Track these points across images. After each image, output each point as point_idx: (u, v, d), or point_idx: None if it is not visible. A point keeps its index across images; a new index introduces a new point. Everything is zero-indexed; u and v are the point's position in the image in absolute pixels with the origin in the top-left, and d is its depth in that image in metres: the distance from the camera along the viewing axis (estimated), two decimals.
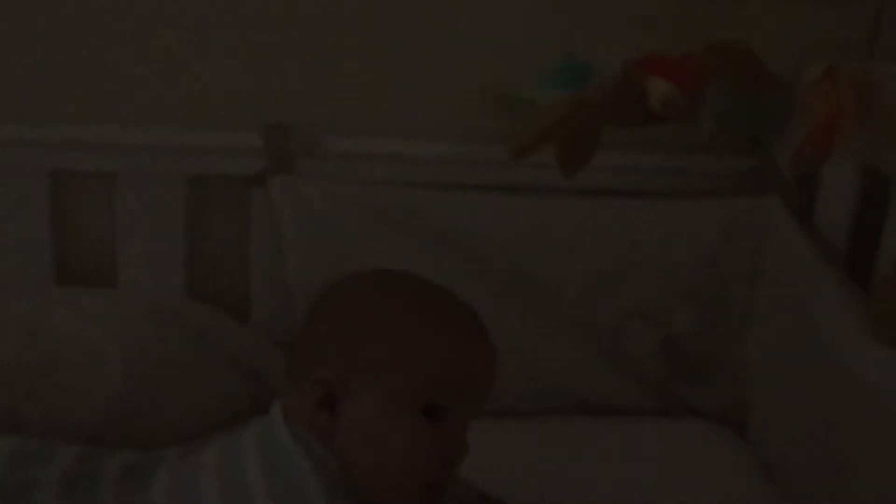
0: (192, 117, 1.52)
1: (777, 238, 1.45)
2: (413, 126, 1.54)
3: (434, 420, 0.99)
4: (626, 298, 1.50)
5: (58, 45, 1.50)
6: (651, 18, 1.48)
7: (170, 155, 1.52)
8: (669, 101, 1.14)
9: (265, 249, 1.53)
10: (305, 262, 1.46)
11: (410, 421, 0.98)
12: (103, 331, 1.32)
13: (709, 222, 1.50)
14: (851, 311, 1.21)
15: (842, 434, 1.17)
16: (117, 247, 1.55)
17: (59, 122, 1.51)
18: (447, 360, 1.00)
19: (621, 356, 1.51)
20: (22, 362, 1.24)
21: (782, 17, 1.49)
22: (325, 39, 1.51)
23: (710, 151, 1.51)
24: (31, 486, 0.99)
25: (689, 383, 1.52)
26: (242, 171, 1.52)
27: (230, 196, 1.56)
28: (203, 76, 1.52)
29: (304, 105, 1.53)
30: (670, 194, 1.54)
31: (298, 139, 1.51)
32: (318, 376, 1.00)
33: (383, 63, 1.53)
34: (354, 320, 1.03)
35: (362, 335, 1.01)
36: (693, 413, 1.53)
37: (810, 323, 1.27)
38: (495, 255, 1.48)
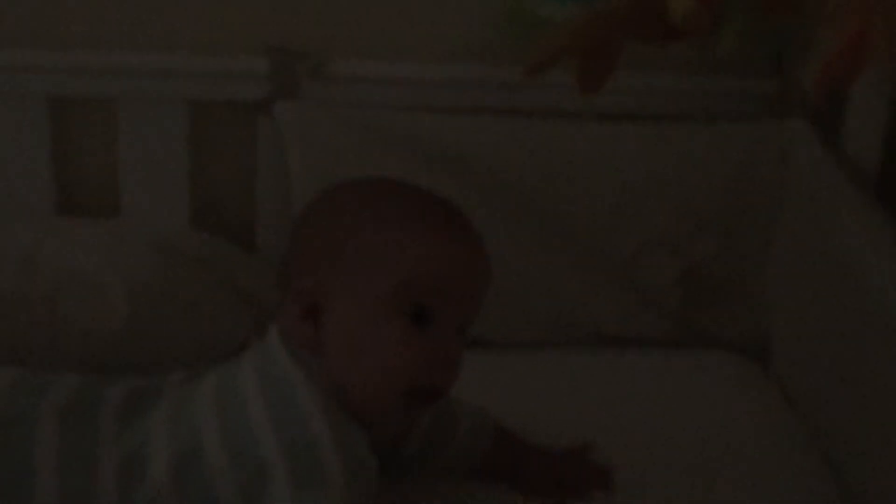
0: (195, 40, 1.49)
1: (801, 162, 1.41)
2: (422, 49, 1.50)
3: (419, 324, 0.98)
4: (644, 226, 1.47)
5: None
6: None
7: (171, 80, 1.48)
8: (691, 15, 1.09)
9: (271, 177, 1.51)
10: (312, 189, 1.34)
11: (394, 323, 0.97)
12: (106, 262, 1.31)
13: (730, 146, 1.47)
14: (879, 237, 1.18)
15: (866, 362, 1.15)
16: (119, 176, 1.53)
17: (57, 47, 1.47)
18: (430, 260, 0.98)
19: (638, 285, 1.48)
20: (22, 294, 1.22)
21: None
22: None
23: (731, 72, 1.48)
24: (31, 416, 0.98)
25: (708, 312, 1.49)
26: (247, 96, 1.49)
27: (235, 123, 1.53)
28: None
29: (310, 28, 1.49)
30: (690, 118, 1.49)
31: (304, 63, 1.47)
32: (300, 286, 0.99)
33: None
34: (333, 225, 1.02)
35: (341, 239, 1.00)
36: (712, 343, 1.50)
37: (835, 249, 1.25)
38: (507, 181, 1.45)
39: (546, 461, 1.19)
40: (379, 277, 0.97)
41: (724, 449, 1.26)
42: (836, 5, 1.11)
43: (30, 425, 0.97)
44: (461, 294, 1.00)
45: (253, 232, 1.56)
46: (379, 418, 1.01)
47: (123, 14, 1.48)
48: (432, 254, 0.99)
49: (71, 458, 0.96)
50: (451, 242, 1.01)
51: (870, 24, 1.05)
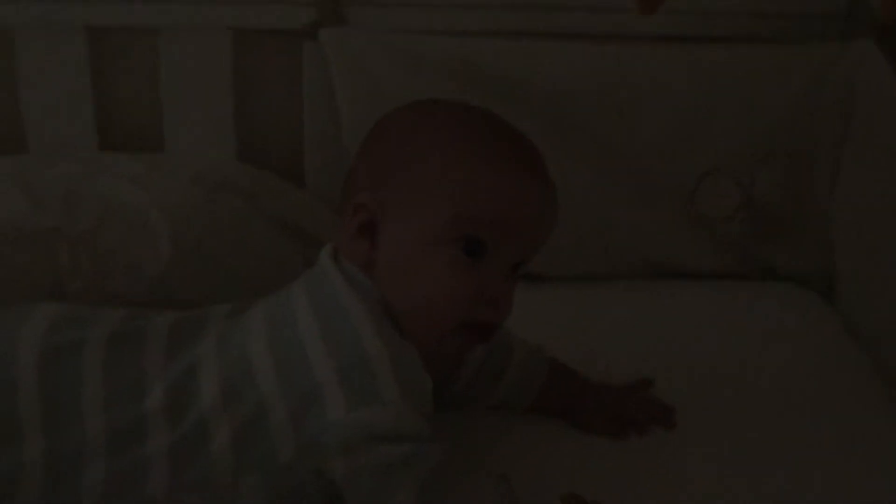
0: None
1: (870, 86, 1.37)
2: None
3: (474, 257, 0.96)
4: (705, 154, 1.43)
5: None
6: None
7: (214, 7, 1.46)
8: None
9: (318, 108, 1.49)
10: (360, 119, 1.37)
11: (447, 252, 0.96)
12: (149, 197, 1.29)
13: (795, 70, 1.43)
14: None
15: None
16: (162, 109, 1.50)
17: None
18: (494, 194, 0.96)
19: (699, 216, 1.45)
20: (63, 231, 1.20)
21: None
22: None
23: None
24: (77, 347, 0.96)
25: (771, 245, 1.47)
26: (292, 23, 1.46)
27: (280, 51, 1.50)
28: None
29: None
30: (752, 40, 1.46)
31: None
32: (358, 201, 0.99)
33: None
34: (401, 145, 1.00)
35: (406, 159, 0.98)
36: (774, 276, 1.48)
37: None
38: (560, 109, 1.42)
39: (604, 397, 1.17)
40: (437, 204, 0.96)
41: (788, 383, 1.24)
42: None
43: (76, 356, 0.96)
44: (521, 232, 0.98)
45: (301, 165, 1.53)
46: (430, 346, 0.98)
47: None
48: (497, 187, 0.97)
49: (118, 389, 0.95)
50: (519, 178, 0.98)
51: None
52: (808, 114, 1.42)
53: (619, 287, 1.45)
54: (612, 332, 1.32)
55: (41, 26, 1.45)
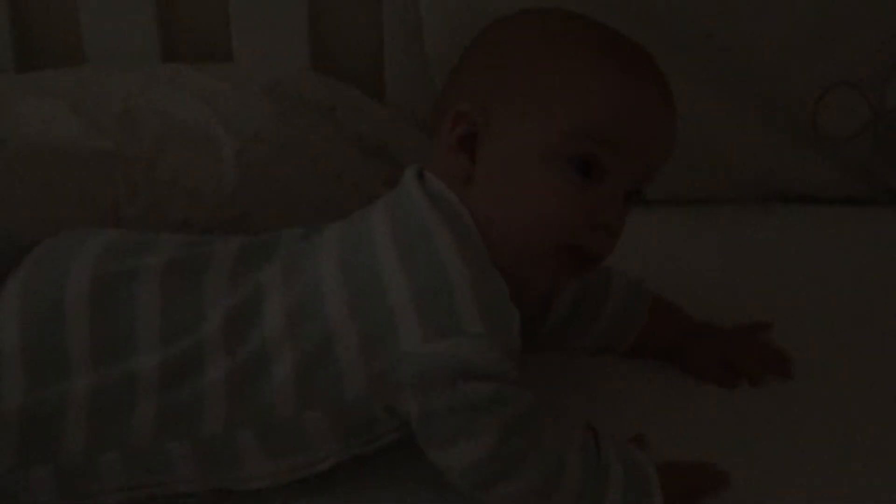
0: None
1: None
2: None
3: (587, 177, 0.91)
4: (829, 66, 1.35)
5: None
6: None
7: None
8: None
9: (399, 13, 1.43)
10: (444, 28, 1.35)
11: (558, 169, 0.90)
12: (214, 112, 1.24)
13: None
14: None
15: None
16: (231, 16, 1.45)
17: None
18: (612, 107, 0.90)
19: (822, 134, 1.38)
20: (118, 154, 1.15)
21: None
22: None
23: None
24: (132, 276, 0.92)
25: None
26: None
27: None
28: None
29: None
30: None
31: None
32: (461, 109, 0.93)
33: None
34: (508, 51, 0.94)
35: (515, 67, 0.92)
36: None
37: None
38: (671, 17, 1.34)
39: (714, 340, 1.09)
40: (552, 115, 0.90)
41: None
42: None
43: (130, 286, 0.91)
44: (642, 153, 0.92)
45: (381, 78, 1.48)
46: (526, 271, 0.93)
47: None
48: (615, 100, 0.90)
49: (175, 319, 0.90)
50: (643, 93, 0.92)
51: None
52: None
53: (734, 212, 1.39)
54: (723, 263, 1.27)
55: None
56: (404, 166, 0.98)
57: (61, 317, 0.89)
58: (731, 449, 0.96)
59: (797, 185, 1.41)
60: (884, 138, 1.37)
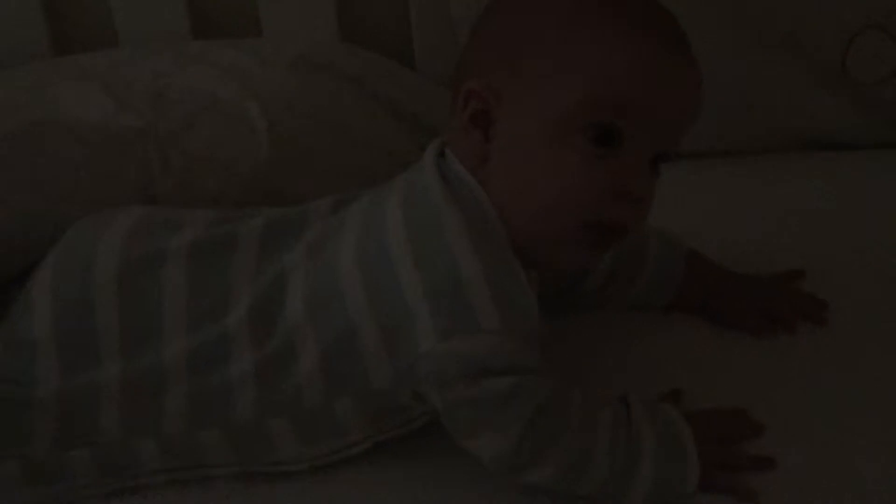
0: None
1: None
2: None
3: (605, 147, 0.86)
4: (857, 8, 1.32)
5: None
6: None
7: None
8: None
9: None
10: None
11: (575, 142, 0.86)
12: (245, 87, 1.23)
13: None
14: None
15: None
16: None
17: None
18: (628, 71, 0.85)
19: (852, 80, 1.35)
20: (151, 131, 1.15)
21: None
22: None
23: None
24: (159, 259, 0.92)
25: None
26: None
27: None
28: None
29: None
30: None
31: None
32: (471, 87, 0.89)
33: None
34: (516, 21, 0.89)
35: (523, 38, 0.88)
36: None
37: None
38: None
39: (750, 290, 1.08)
40: (562, 87, 0.85)
41: None
42: None
43: (157, 270, 0.91)
44: (664, 119, 0.87)
45: (409, 45, 1.47)
46: (549, 254, 0.90)
47: None
48: (637, 65, 0.85)
49: (202, 305, 0.90)
50: (662, 55, 0.86)
51: None
52: None
53: (765, 162, 1.37)
54: (756, 214, 1.24)
55: None
56: (437, 131, 0.97)
57: (90, 303, 0.90)
58: (765, 398, 0.95)
59: (828, 133, 1.38)
60: None
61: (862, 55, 1.33)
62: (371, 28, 1.48)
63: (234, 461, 0.90)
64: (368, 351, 0.85)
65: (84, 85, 1.20)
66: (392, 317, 0.84)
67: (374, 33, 1.48)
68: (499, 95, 0.88)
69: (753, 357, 1.02)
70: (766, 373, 1.00)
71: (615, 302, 1.08)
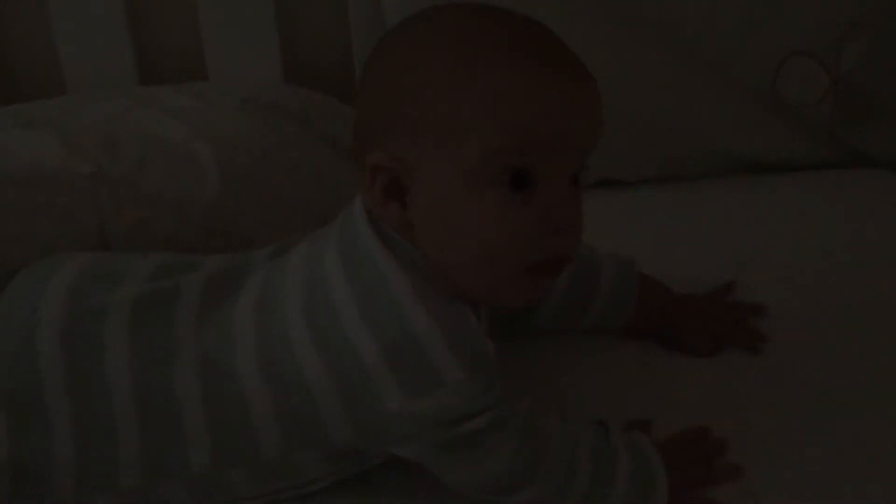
0: None
1: None
2: None
3: (523, 190, 0.82)
4: (786, 33, 1.34)
5: None
6: None
7: None
8: None
9: (365, 21, 1.42)
10: None
11: (488, 197, 0.82)
12: (193, 128, 1.22)
13: None
14: None
15: None
16: (202, 35, 1.46)
17: None
18: (525, 109, 0.81)
19: (782, 103, 1.38)
20: (102, 175, 1.13)
21: None
22: None
23: None
24: (99, 315, 0.90)
25: (860, 128, 1.40)
26: None
27: None
28: None
29: None
30: None
31: None
32: (372, 162, 0.85)
33: None
34: (397, 78, 0.84)
35: (411, 95, 0.83)
36: (866, 163, 1.42)
37: None
38: None
39: (694, 311, 1.10)
40: (461, 142, 0.81)
41: (881, 271, 1.19)
42: None
43: (100, 324, 0.89)
44: (570, 144, 0.83)
45: (352, 83, 1.47)
46: (496, 299, 0.88)
47: None
48: (525, 101, 0.81)
49: (146, 359, 0.88)
50: (548, 81, 0.81)
51: None
52: None
53: (701, 186, 1.38)
54: (697, 235, 1.26)
55: None
56: None
57: (34, 359, 0.88)
58: (726, 416, 0.98)
59: (762, 155, 1.40)
60: (843, 102, 1.36)
61: (792, 79, 1.35)
62: (314, 69, 1.49)
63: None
64: (326, 410, 0.84)
65: (35, 133, 1.19)
66: (348, 376, 0.83)
67: (317, 73, 1.48)
68: (405, 162, 0.83)
69: (709, 374, 1.04)
70: (723, 389, 1.03)
71: (571, 325, 1.09)
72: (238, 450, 0.87)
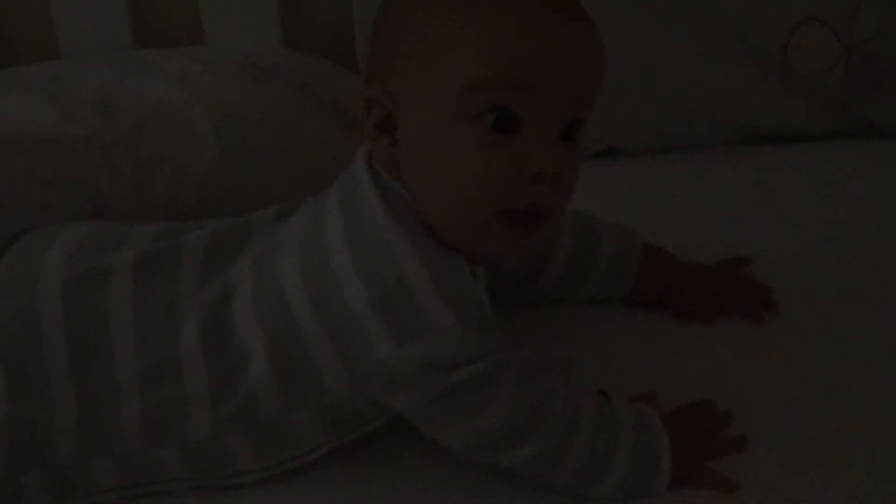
0: None
1: None
2: None
3: (506, 132, 0.83)
4: (798, 2, 1.33)
5: None
6: None
7: None
8: None
9: None
10: None
11: (468, 133, 0.83)
12: (190, 93, 1.22)
13: None
14: None
15: None
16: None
17: None
18: (507, 48, 0.82)
19: (794, 73, 1.36)
20: (97, 139, 1.12)
21: None
22: None
23: None
24: (103, 276, 0.90)
25: (873, 98, 1.37)
26: None
27: None
28: None
29: None
30: None
31: None
32: (368, 95, 0.88)
33: None
34: (396, 20, 0.88)
35: (409, 34, 0.86)
36: (877, 133, 1.40)
37: None
38: None
39: (700, 279, 1.10)
40: (446, 76, 0.83)
41: (891, 244, 1.18)
42: None
43: (102, 287, 0.89)
44: (559, 88, 0.83)
45: (352, 48, 1.44)
46: (474, 246, 0.87)
47: None
48: (514, 40, 0.81)
49: (149, 322, 0.89)
50: (539, 20, 0.82)
51: None
52: None
53: (709, 156, 1.37)
54: (703, 206, 1.25)
55: None
56: None
57: (35, 322, 0.88)
58: (731, 388, 0.96)
59: (772, 125, 1.39)
60: (855, 71, 1.35)
61: (803, 48, 1.34)
62: (314, 32, 1.46)
63: (190, 476, 0.89)
64: (321, 361, 0.85)
65: (29, 97, 1.19)
66: (341, 327, 0.84)
67: (316, 37, 1.46)
68: (397, 98, 0.86)
69: (715, 345, 1.03)
70: (728, 361, 1.01)
71: (575, 295, 1.08)
72: (236, 411, 0.87)
